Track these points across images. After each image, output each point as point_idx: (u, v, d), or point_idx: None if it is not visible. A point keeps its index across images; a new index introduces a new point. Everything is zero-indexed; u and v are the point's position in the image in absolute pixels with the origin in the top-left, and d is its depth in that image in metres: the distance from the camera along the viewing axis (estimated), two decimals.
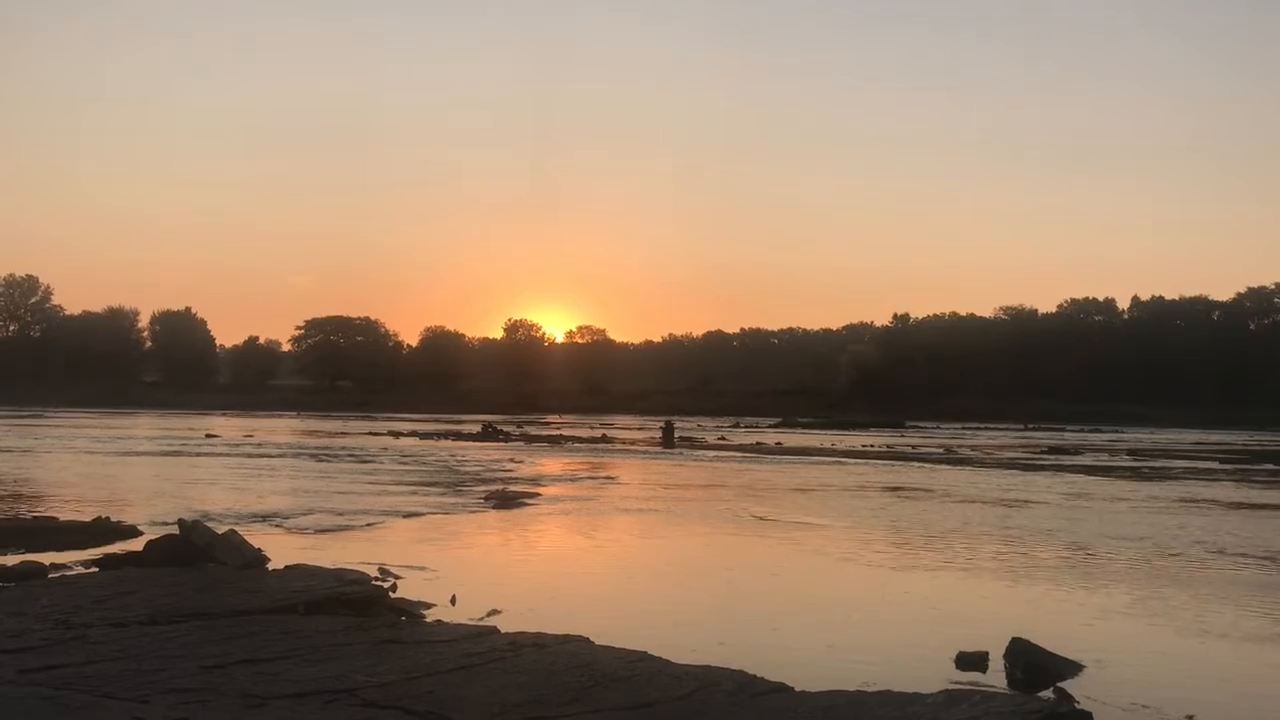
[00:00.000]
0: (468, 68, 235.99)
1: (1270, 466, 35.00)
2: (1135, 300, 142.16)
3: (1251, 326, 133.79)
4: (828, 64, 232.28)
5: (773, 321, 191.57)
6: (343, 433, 51.67)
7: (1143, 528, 16.27)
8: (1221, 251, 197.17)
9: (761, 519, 16.90)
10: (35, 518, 14.11)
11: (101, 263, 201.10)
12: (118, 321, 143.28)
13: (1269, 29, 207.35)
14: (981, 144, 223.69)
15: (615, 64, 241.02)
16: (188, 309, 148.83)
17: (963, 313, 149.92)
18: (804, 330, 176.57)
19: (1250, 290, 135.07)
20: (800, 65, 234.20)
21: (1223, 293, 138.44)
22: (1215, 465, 35.22)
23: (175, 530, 10.59)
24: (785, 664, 7.24)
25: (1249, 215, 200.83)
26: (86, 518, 13.89)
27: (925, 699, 5.75)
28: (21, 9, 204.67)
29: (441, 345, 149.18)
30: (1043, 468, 32.14)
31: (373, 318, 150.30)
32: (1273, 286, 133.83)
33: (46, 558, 10.54)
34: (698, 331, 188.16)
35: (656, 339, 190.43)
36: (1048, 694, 6.91)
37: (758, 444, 45.57)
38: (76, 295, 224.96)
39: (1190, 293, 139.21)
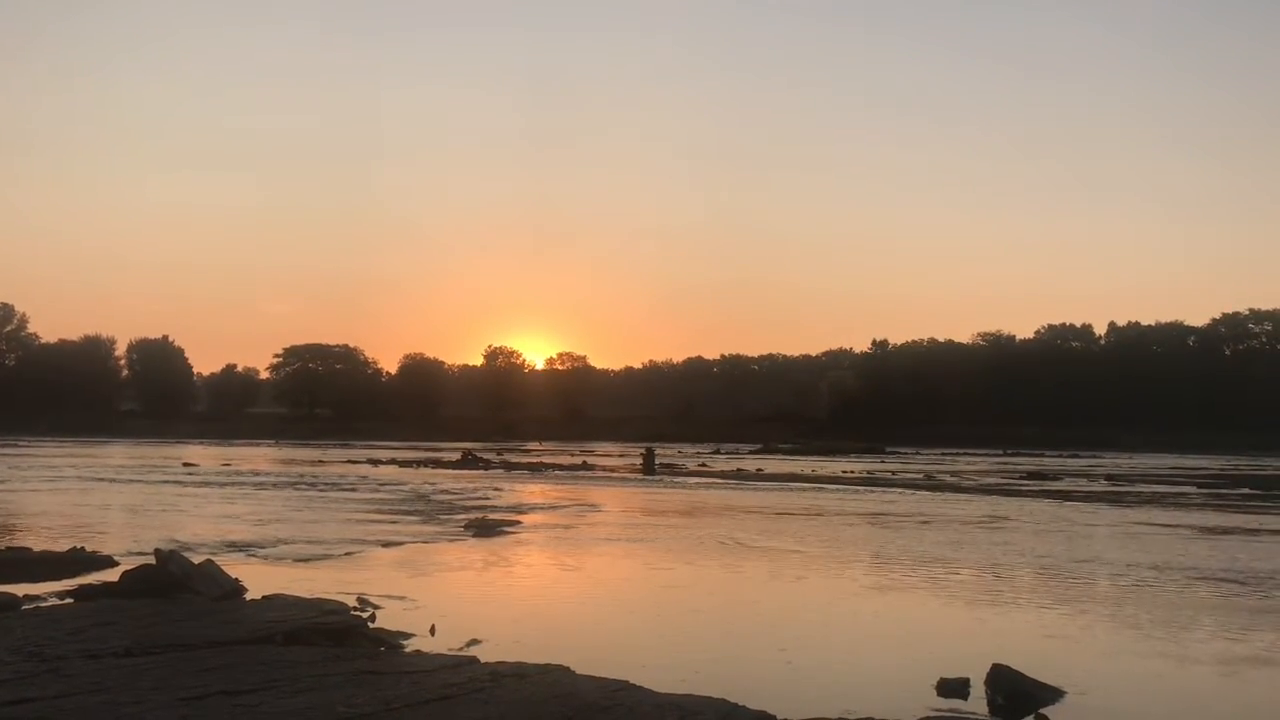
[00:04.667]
0: (449, 97, 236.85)
1: (1246, 490, 35.24)
2: (1112, 326, 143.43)
3: (1227, 352, 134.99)
4: (809, 92, 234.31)
5: (753, 348, 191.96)
6: (321, 461, 51.36)
7: (1121, 552, 16.34)
8: (1196, 278, 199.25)
9: (742, 545, 16.87)
10: (9, 548, 13.94)
11: (78, 291, 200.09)
12: (94, 350, 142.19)
13: (1247, 61, 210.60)
14: (960, 172, 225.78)
15: (598, 92, 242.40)
16: (165, 337, 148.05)
17: (941, 339, 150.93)
18: (784, 356, 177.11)
19: (1225, 316, 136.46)
20: (782, 93, 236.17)
21: (1198, 318, 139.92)
22: (1192, 490, 35.41)
23: (152, 560, 10.49)
24: (767, 691, 7.22)
25: (1224, 242, 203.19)
26: (61, 548, 13.74)
27: None
28: None
29: (421, 372, 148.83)
30: (1022, 493, 32.25)
31: (352, 345, 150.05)
32: (1247, 312, 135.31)
33: (20, 589, 10.40)
34: (678, 358, 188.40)
35: (637, 365, 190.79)
36: None
37: (738, 470, 45.56)
38: (53, 324, 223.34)
39: (1166, 318, 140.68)
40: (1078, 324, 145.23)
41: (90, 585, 10.66)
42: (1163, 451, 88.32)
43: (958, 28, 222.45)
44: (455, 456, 54.56)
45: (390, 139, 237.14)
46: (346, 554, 14.92)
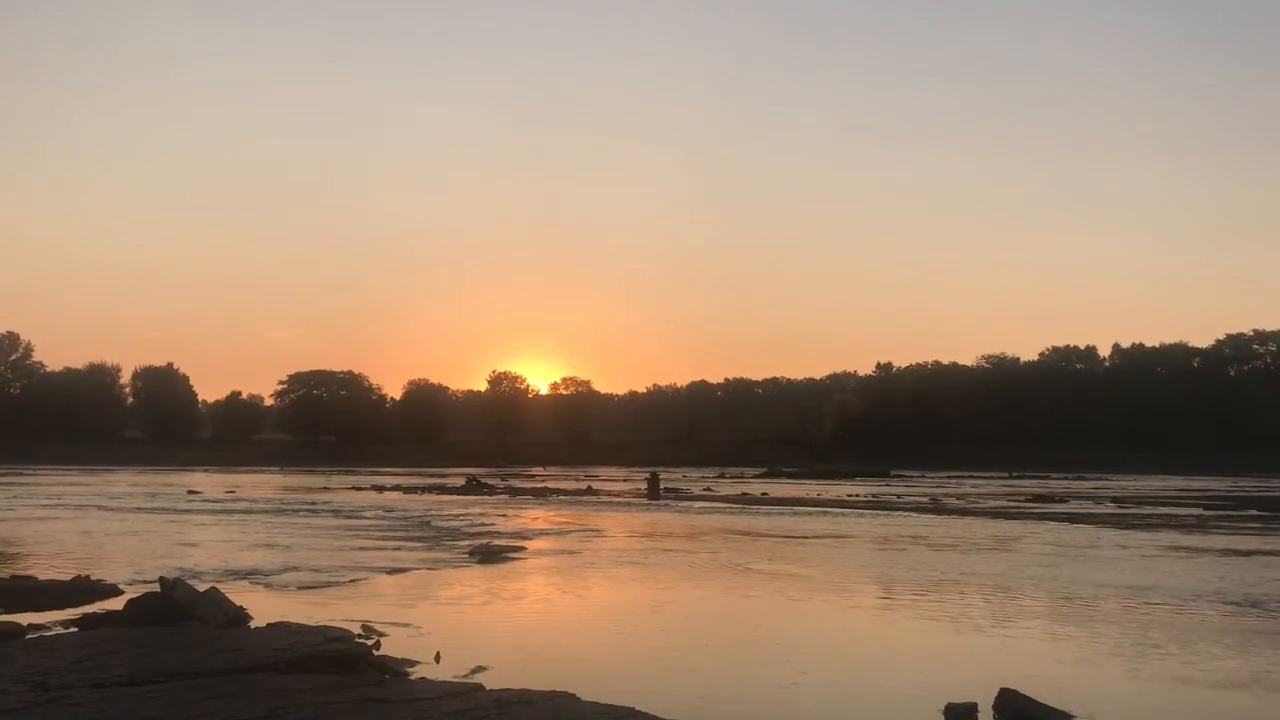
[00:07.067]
0: (451, 122, 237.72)
1: (1254, 513, 35.09)
2: (1116, 348, 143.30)
3: (1231, 373, 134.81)
4: (812, 118, 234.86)
5: (757, 371, 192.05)
6: (326, 487, 51.31)
7: (1128, 575, 16.27)
8: (1200, 299, 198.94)
9: (747, 570, 16.83)
10: (13, 577, 13.94)
11: (83, 319, 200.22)
12: (99, 378, 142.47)
13: (1245, 80, 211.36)
14: (963, 194, 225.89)
15: (601, 116, 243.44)
16: (170, 364, 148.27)
17: (945, 361, 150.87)
18: (788, 380, 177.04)
19: (1229, 337, 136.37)
20: (785, 118, 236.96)
21: (1202, 340, 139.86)
22: (1199, 512, 35.27)
23: (156, 588, 10.50)
24: (772, 717, 7.19)
25: (1227, 263, 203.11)
26: (66, 576, 13.73)
27: None
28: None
29: (425, 398, 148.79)
30: (1028, 516, 32.14)
31: (356, 371, 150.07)
32: (1251, 333, 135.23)
33: (25, 618, 10.40)
34: (682, 382, 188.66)
35: (641, 389, 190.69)
36: None
37: (743, 495, 45.45)
38: (58, 352, 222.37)
39: (1170, 340, 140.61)
40: (1081, 346, 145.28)
41: (94, 614, 10.64)
42: (1168, 473, 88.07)
43: (959, 50, 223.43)
44: (459, 482, 54.49)
45: (393, 164, 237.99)
46: (351, 581, 14.89)
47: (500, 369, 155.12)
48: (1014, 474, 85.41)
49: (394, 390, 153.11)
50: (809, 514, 32.40)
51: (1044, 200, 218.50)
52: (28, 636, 9.36)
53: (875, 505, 38.05)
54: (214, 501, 36.57)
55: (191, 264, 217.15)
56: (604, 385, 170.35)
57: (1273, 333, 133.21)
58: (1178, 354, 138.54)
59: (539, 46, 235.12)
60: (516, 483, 57.69)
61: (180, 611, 9.61)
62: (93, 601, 12.03)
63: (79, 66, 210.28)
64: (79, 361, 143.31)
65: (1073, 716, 7.38)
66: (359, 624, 10.62)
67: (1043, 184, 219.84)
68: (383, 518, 28.82)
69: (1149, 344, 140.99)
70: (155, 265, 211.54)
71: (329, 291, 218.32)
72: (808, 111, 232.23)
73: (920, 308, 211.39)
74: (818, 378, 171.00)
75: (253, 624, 9.58)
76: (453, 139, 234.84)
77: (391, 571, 16.07)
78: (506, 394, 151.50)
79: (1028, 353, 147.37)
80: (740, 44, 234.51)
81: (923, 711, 7.59)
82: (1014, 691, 7.48)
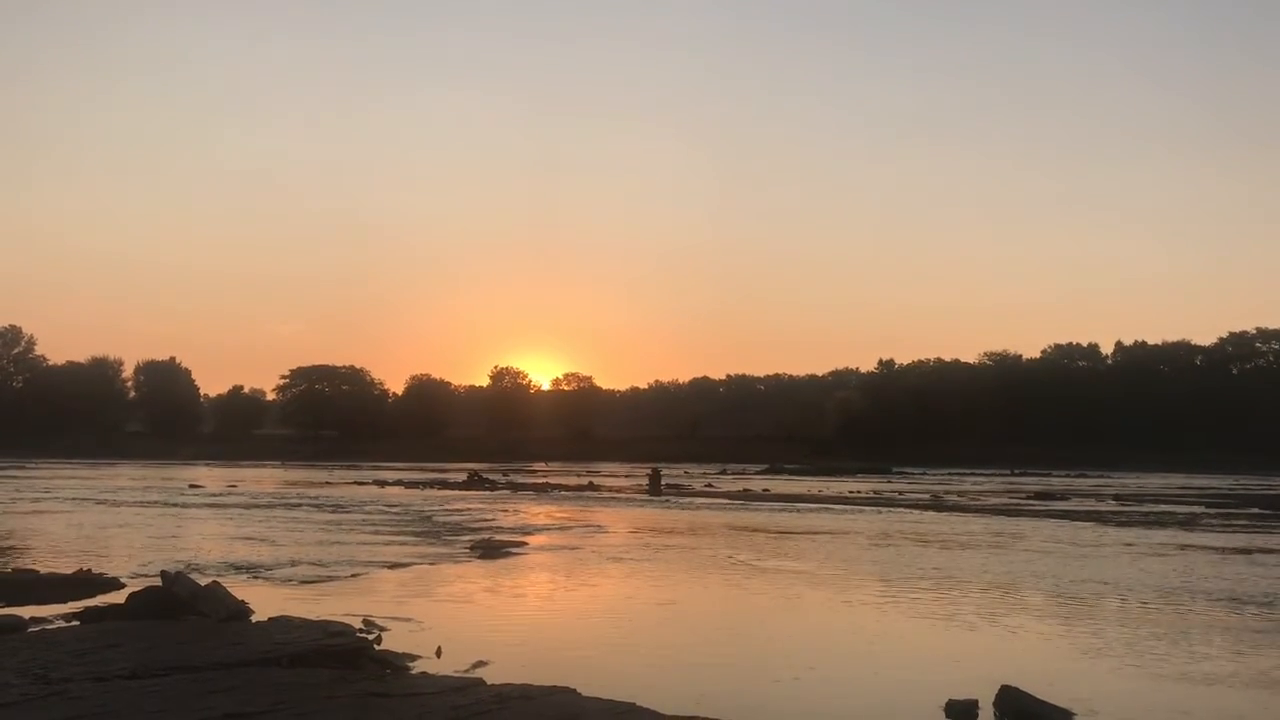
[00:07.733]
0: (456, 118, 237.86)
1: (1256, 510, 35.06)
2: (1119, 345, 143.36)
3: (1234, 371, 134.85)
4: (814, 113, 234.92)
5: (759, 368, 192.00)
6: (327, 482, 51.35)
7: (1130, 573, 16.26)
8: (1203, 297, 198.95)
9: (748, 566, 16.83)
10: (15, 570, 13.96)
11: (86, 313, 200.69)
12: (102, 371, 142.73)
13: (1245, 78, 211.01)
14: (966, 191, 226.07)
15: (605, 114, 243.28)
16: (172, 359, 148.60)
17: (948, 358, 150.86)
18: (790, 376, 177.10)
19: (1232, 335, 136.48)
20: (787, 115, 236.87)
21: (1205, 337, 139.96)
22: (1201, 509, 35.25)
23: (158, 582, 10.50)
24: (773, 713, 7.19)
25: (1230, 261, 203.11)
26: (67, 570, 13.74)
27: None
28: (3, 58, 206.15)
29: (427, 393, 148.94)
30: (1029, 513, 32.12)
31: (358, 366, 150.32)
32: (1254, 331, 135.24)
33: (26, 611, 10.41)
34: (684, 378, 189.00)
35: (643, 386, 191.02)
36: None
37: (745, 491, 45.45)
38: (60, 345, 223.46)
39: (1173, 337, 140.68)
40: (1084, 343, 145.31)
41: (96, 607, 10.64)
42: (1170, 471, 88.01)
43: (960, 49, 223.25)
44: (461, 477, 54.53)
45: (394, 160, 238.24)
46: (352, 575, 14.90)
47: (503, 364, 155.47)
48: (1015, 471, 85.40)
49: (396, 385, 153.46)
50: (810, 510, 32.40)
51: (1046, 198, 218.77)
52: (29, 630, 9.37)
53: (876, 502, 38.05)
54: (215, 496, 36.60)
55: (193, 259, 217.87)
56: (606, 381, 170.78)
57: (1275, 331, 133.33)
58: (1180, 352, 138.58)
59: (542, 43, 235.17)
60: (518, 478, 57.75)
61: (182, 605, 9.61)
62: (94, 595, 12.05)
63: (79, 65, 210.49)
64: (81, 355, 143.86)
65: (1073, 714, 7.38)
66: (360, 619, 10.63)
67: (1045, 182, 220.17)
68: (384, 513, 28.84)
69: (1152, 342, 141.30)
70: (157, 260, 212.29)
71: (331, 287, 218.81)
72: (810, 109, 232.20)
73: (923, 305, 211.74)
74: (820, 374, 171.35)
75: (254, 618, 9.58)
76: (455, 136, 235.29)
77: (393, 566, 16.08)
78: (509, 389, 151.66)
79: (1030, 350, 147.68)
80: (743, 42, 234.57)
81: (924, 708, 7.59)
82: (1015, 688, 7.48)
